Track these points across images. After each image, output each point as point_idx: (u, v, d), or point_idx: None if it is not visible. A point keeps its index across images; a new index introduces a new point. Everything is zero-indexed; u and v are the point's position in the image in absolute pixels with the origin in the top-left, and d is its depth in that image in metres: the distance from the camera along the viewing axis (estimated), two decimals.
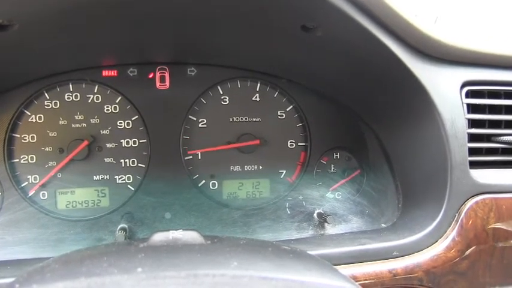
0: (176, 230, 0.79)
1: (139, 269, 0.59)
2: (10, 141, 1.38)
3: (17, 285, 0.60)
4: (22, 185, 1.39)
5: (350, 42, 1.11)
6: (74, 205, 1.42)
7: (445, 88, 1.18)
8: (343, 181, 1.52)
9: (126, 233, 1.30)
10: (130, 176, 1.44)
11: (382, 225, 1.41)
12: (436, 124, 1.17)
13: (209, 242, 0.76)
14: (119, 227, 1.31)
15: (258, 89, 1.50)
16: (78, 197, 1.43)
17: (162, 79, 1.45)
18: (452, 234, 1.18)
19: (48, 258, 0.77)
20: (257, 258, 0.70)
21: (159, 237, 0.76)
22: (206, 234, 0.80)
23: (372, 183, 1.52)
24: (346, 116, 1.54)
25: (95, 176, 1.43)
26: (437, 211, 1.22)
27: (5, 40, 1.01)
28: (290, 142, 1.52)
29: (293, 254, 0.76)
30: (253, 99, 1.50)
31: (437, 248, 1.18)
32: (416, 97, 1.19)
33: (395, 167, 1.46)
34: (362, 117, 1.53)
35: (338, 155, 1.55)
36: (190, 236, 0.77)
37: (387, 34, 1.04)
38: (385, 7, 1.00)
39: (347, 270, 1.10)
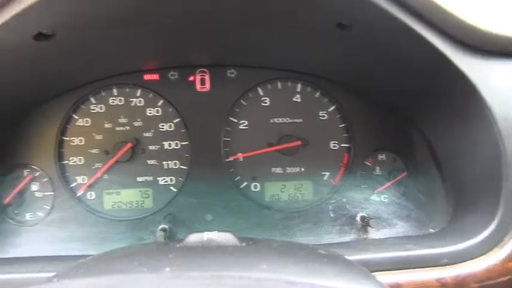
0: (212, 231, 0.83)
1: (168, 269, 0.62)
2: (60, 143, 1.50)
3: (55, 280, 0.66)
4: (71, 185, 1.51)
5: (388, 39, 1.11)
6: (119, 205, 1.52)
7: (495, 83, 1.13)
8: (388, 184, 1.52)
9: (166, 233, 1.38)
10: (173, 178, 1.52)
11: (430, 230, 1.39)
12: (487, 122, 1.13)
13: (244, 244, 0.79)
14: (159, 228, 1.40)
15: (299, 90, 1.53)
16: (123, 197, 1.52)
17: (202, 82, 1.52)
18: (511, 242, 1.13)
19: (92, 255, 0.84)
20: (288, 262, 0.71)
21: (193, 238, 0.80)
22: (242, 236, 0.84)
23: (419, 186, 1.50)
24: (391, 116, 1.54)
25: (138, 178, 1.52)
26: (491, 216, 1.17)
27: (50, 49, 1.10)
28: (333, 143, 1.54)
29: (328, 258, 0.77)
30: (294, 100, 1.53)
31: (494, 257, 1.13)
32: (464, 94, 1.15)
33: (445, 169, 1.43)
34: (408, 116, 1.51)
35: (383, 157, 1.55)
36: (225, 237, 0.80)
37: (428, 28, 1.02)
38: (426, 1, 0.98)
39: (391, 277, 1.09)
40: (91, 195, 1.52)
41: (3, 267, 1.13)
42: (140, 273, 0.62)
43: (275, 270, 0.65)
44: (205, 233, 0.81)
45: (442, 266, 1.12)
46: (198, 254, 0.74)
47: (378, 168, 1.55)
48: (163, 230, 1.39)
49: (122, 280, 0.60)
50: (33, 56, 1.13)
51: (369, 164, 1.55)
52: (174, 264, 0.65)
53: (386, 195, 1.52)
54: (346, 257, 0.85)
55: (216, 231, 0.82)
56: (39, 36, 1.01)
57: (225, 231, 0.82)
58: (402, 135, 1.53)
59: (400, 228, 1.45)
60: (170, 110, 1.52)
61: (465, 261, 1.13)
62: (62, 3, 0.89)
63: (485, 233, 1.14)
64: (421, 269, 1.11)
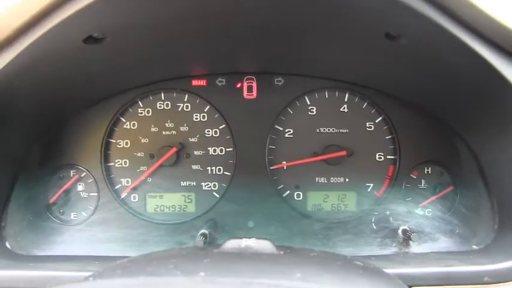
0: (250, 238, 0.84)
1: (202, 273, 0.63)
2: (107, 145, 1.54)
3: (91, 279, 0.69)
4: (116, 187, 1.55)
5: (437, 50, 1.11)
6: (162, 209, 1.56)
7: None
8: (433, 198, 1.53)
9: (206, 238, 1.41)
10: (216, 184, 1.56)
11: (474, 247, 1.39)
12: None
13: (281, 252, 0.80)
14: (199, 233, 1.43)
15: (346, 100, 1.55)
16: (166, 201, 1.56)
17: (250, 89, 1.54)
18: None
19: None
20: (323, 271, 0.72)
21: (231, 244, 0.82)
22: (281, 244, 0.85)
23: (465, 200, 1.50)
24: (439, 128, 1.53)
25: (182, 182, 1.56)
26: None
27: (100, 52, 1.14)
28: (378, 155, 1.55)
29: (364, 270, 0.77)
30: (341, 110, 1.55)
31: None
32: (510, 102, 1.13)
33: (491, 183, 1.43)
34: (455, 129, 1.51)
35: (429, 170, 1.55)
36: (263, 245, 0.81)
37: (476, 38, 1.00)
38: (473, 10, 0.96)
39: None
40: (134, 197, 1.56)
41: (45, 264, 1.18)
42: (173, 277, 0.64)
43: (308, 279, 0.65)
44: (244, 239, 0.83)
45: (484, 284, 1.11)
46: (234, 260, 0.76)
47: (423, 182, 1.55)
48: (204, 235, 1.42)
49: (154, 282, 0.62)
50: (82, 58, 1.16)
51: (414, 177, 1.55)
52: (208, 269, 0.67)
53: (430, 209, 1.53)
54: (384, 270, 0.85)
55: (254, 239, 0.83)
56: (89, 40, 1.05)
57: (263, 238, 0.83)
58: (449, 148, 1.52)
59: (443, 243, 1.45)
60: (216, 116, 1.54)
61: (508, 281, 1.11)
62: (114, 7, 0.91)
63: None
64: (462, 286, 1.11)
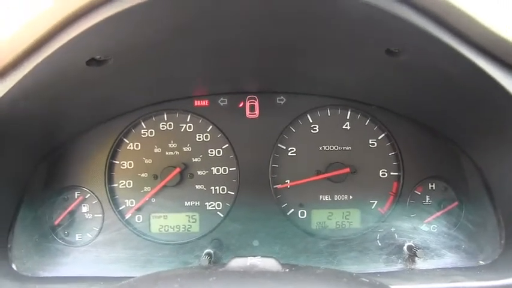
0: (255, 256, 0.89)
1: None
2: (111, 167, 1.63)
3: None
4: (120, 208, 1.64)
5: (438, 65, 1.16)
6: (166, 229, 1.64)
7: None
8: (438, 213, 1.60)
9: (211, 258, 1.49)
10: (220, 203, 1.64)
11: (480, 262, 1.45)
12: None
13: (286, 270, 0.84)
14: (204, 252, 1.51)
15: (348, 117, 1.63)
16: (170, 221, 1.64)
17: (252, 108, 1.63)
18: None
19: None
20: None
21: (236, 262, 0.87)
22: (286, 262, 0.89)
23: (470, 216, 1.57)
24: (442, 144, 1.61)
25: (186, 202, 1.64)
26: None
27: (103, 74, 1.22)
28: (382, 171, 1.63)
29: (370, 286, 0.82)
30: (343, 127, 1.63)
31: None
32: None
33: (497, 198, 1.49)
34: (459, 144, 1.58)
35: (433, 186, 1.63)
36: (268, 263, 0.86)
37: (479, 54, 1.05)
38: (474, 24, 1.01)
39: None
40: (139, 218, 1.64)
41: (52, 286, 1.29)
42: None
43: None
44: (249, 258, 0.88)
45: None
46: (239, 278, 0.81)
47: (427, 198, 1.62)
48: (209, 254, 1.49)
49: None
50: (85, 80, 1.25)
51: (418, 193, 1.62)
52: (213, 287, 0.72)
53: (435, 225, 1.60)
54: (391, 286, 0.89)
55: (259, 257, 0.88)
56: (92, 62, 1.13)
57: (268, 257, 0.88)
58: (453, 163, 1.60)
59: (449, 259, 1.51)
60: (219, 135, 1.63)
61: None
62: (115, 29, 0.98)
63: None
64: None
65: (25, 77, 1.01)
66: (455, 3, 0.96)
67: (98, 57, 1.12)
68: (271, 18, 1.06)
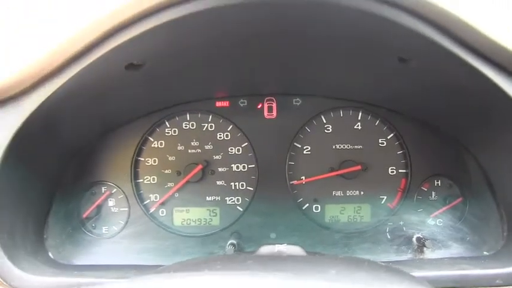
0: (281, 244, 0.99)
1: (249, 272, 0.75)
2: (136, 163, 1.75)
3: (162, 273, 0.83)
4: (145, 203, 1.75)
5: (446, 71, 1.26)
6: (188, 222, 1.76)
7: None
8: (444, 208, 1.71)
9: (235, 247, 1.60)
10: (239, 198, 1.75)
11: (484, 253, 1.56)
12: None
13: (311, 255, 0.96)
14: (228, 242, 1.62)
15: (359, 118, 1.76)
16: (192, 215, 1.76)
17: (270, 109, 1.76)
18: None
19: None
20: (354, 270, 0.87)
21: (265, 249, 0.98)
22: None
23: (474, 210, 1.68)
24: (447, 143, 1.73)
25: (207, 197, 1.76)
26: None
27: (138, 77, 1.34)
28: (391, 169, 1.75)
29: (388, 269, 0.92)
30: (355, 127, 1.76)
31: None
32: None
33: (499, 194, 1.59)
34: (463, 144, 1.70)
35: (439, 182, 1.75)
36: (294, 249, 0.97)
37: (484, 62, 1.13)
38: (479, 35, 1.08)
39: None
40: (162, 212, 1.76)
41: (90, 273, 1.37)
42: (227, 271, 0.78)
43: (343, 276, 0.80)
44: (276, 245, 0.98)
45: (496, 286, 1.28)
46: (274, 261, 0.91)
47: (433, 193, 1.74)
48: (233, 244, 1.61)
49: (212, 277, 0.75)
50: (121, 83, 1.37)
51: (425, 189, 1.74)
52: (253, 268, 0.82)
53: (441, 220, 1.71)
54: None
55: (285, 244, 0.98)
56: (130, 66, 1.24)
57: (293, 244, 0.99)
58: (458, 161, 1.71)
59: (455, 249, 1.62)
60: (239, 134, 1.75)
61: None
62: (154, 38, 1.09)
63: None
64: None
65: (70, 79, 1.12)
66: (461, 16, 1.06)
67: (136, 62, 1.23)
68: (293, 32, 1.18)
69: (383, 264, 0.98)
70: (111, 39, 1.06)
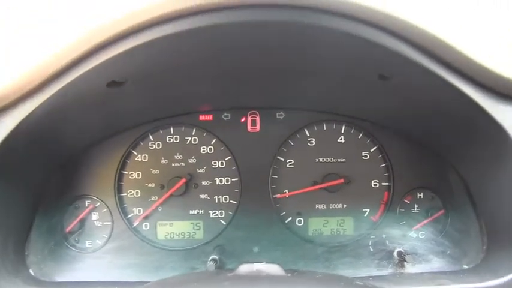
0: (260, 262, 1.01)
1: None
2: (120, 177, 1.76)
3: None
4: (128, 216, 1.77)
5: (427, 89, 1.29)
6: (172, 236, 1.77)
7: None
8: (426, 221, 1.75)
9: (216, 263, 1.61)
10: (223, 211, 1.78)
11: (464, 266, 1.59)
12: None
13: (289, 274, 0.97)
14: (210, 258, 1.64)
15: (342, 131, 1.78)
16: (175, 228, 1.78)
17: (253, 123, 1.78)
18: None
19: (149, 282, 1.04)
20: None
21: (244, 268, 0.99)
22: (287, 268, 1.01)
23: (455, 223, 1.71)
24: (430, 156, 1.76)
25: (191, 211, 1.78)
26: None
27: (119, 94, 1.36)
28: (374, 182, 1.78)
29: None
30: (338, 140, 1.78)
31: None
32: (496, 136, 1.30)
33: (479, 207, 1.61)
34: (446, 157, 1.72)
35: (422, 195, 1.78)
36: (273, 268, 0.99)
37: (461, 79, 1.16)
38: (458, 54, 1.11)
39: None
40: (146, 226, 1.78)
41: None
42: None
43: None
44: (255, 264, 1.00)
45: None
46: (250, 282, 0.93)
47: (416, 206, 1.78)
48: (214, 260, 1.62)
49: None
50: (102, 100, 1.38)
51: (407, 202, 1.78)
52: None
53: (423, 232, 1.74)
54: None
55: (265, 263, 1.00)
56: (112, 84, 1.26)
57: (272, 262, 1.00)
58: (440, 174, 1.75)
59: (436, 263, 1.65)
60: (222, 148, 1.77)
61: None
62: (138, 56, 1.11)
63: None
64: None
65: (53, 95, 1.13)
66: (439, 36, 1.08)
67: (117, 79, 1.25)
68: (276, 48, 1.21)
69: (360, 283, 1.00)
70: (92, 58, 1.08)
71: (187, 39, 1.07)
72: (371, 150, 1.78)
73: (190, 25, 1.00)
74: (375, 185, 1.78)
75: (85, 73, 1.09)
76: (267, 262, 1.02)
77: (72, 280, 1.58)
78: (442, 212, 1.76)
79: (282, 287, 0.91)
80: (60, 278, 1.58)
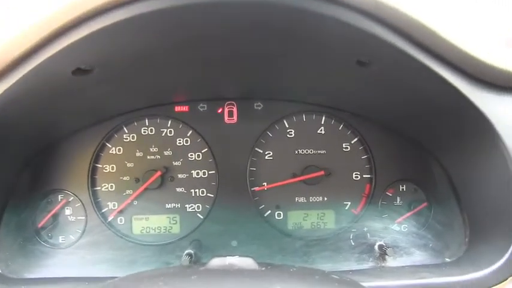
0: (233, 256, 0.98)
1: None
2: (93, 170, 1.72)
3: None
4: (103, 211, 1.73)
5: (406, 76, 1.27)
6: (148, 231, 1.74)
7: (510, 118, 1.23)
8: (408, 214, 1.72)
9: (191, 258, 1.57)
10: (200, 205, 1.74)
11: (446, 259, 1.56)
12: (501, 155, 1.26)
13: (263, 268, 0.95)
14: (185, 253, 1.60)
15: (322, 122, 1.75)
16: (151, 223, 1.74)
17: (230, 114, 1.74)
18: None
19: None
20: (301, 285, 0.87)
21: (216, 262, 0.96)
22: (263, 261, 0.98)
23: (438, 216, 1.69)
24: (412, 148, 1.73)
25: (167, 204, 1.74)
26: (505, 246, 1.30)
27: (88, 83, 1.31)
28: (355, 174, 1.75)
29: (340, 283, 0.91)
30: (318, 132, 1.75)
31: (508, 287, 1.27)
32: (479, 127, 1.29)
33: (463, 199, 1.59)
34: (428, 148, 1.70)
35: (404, 187, 1.75)
36: (246, 262, 0.96)
37: (443, 65, 1.14)
38: (439, 39, 1.09)
39: None
40: (121, 220, 1.74)
41: (37, 287, 1.35)
42: None
43: None
44: (228, 257, 0.97)
45: None
46: (219, 276, 0.91)
47: (398, 199, 1.75)
48: (189, 255, 1.58)
49: None
50: (70, 88, 1.33)
51: (389, 195, 1.74)
52: (195, 285, 0.82)
53: (406, 225, 1.72)
54: (361, 283, 0.99)
55: (237, 256, 0.97)
56: (77, 71, 1.21)
57: (246, 256, 0.97)
58: (423, 166, 1.71)
59: (418, 257, 1.62)
60: (199, 140, 1.73)
61: None
62: (102, 41, 1.07)
63: (500, 263, 1.28)
64: None
65: (13, 85, 1.09)
66: (420, 20, 1.05)
67: (84, 67, 1.20)
68: (251, 34, 1.16)
69: (335, 276, 0.97)
70: (53, 43, 1.03)
71: (148, 24, 1.02)
72: (352, 142, 1.75)
73: (154, 6, 0.95)
74: (356, 177, 1.75)
75: (46, 60, 1.04)
76: (240, 256, 0.99)
77: (42, 276, 1.53)
78: (424, 204, 1.73)
79: (253, 280, 0.88)
80: (30, 274, 1.53)
